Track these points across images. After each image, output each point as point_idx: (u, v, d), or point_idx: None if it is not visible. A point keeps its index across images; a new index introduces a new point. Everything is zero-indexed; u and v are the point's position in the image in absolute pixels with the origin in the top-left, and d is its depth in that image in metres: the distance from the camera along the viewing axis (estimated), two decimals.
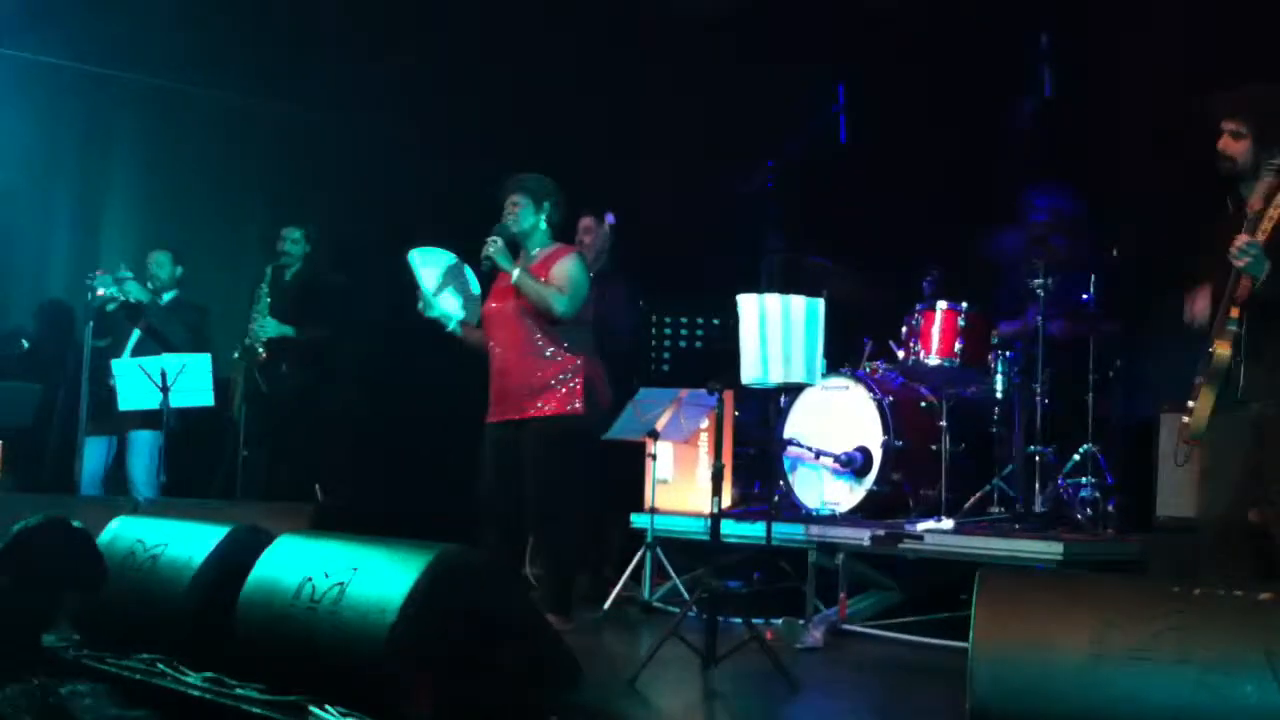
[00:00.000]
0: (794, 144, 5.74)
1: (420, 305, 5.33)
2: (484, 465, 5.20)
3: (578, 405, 5.09)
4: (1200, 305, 4.14)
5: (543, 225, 5.29)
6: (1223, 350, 3.92)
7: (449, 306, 5.34)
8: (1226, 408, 3.97)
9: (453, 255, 5.39)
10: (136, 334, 6.79)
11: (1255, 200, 3.98)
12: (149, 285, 6.81)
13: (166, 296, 6.93)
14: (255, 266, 7.14)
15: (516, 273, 5.08)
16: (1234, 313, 3.92)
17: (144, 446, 6.71)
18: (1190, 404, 4.21)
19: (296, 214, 7.21)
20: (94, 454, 6.69)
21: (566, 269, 5.18)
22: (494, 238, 5.11)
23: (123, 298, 6.67)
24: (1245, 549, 4.13)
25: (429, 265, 5.36)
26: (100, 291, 6.58)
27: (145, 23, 7.22)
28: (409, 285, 5.35)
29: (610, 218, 6.48)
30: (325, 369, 7.03)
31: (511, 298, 5.19)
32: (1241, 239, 3.82)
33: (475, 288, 5.43)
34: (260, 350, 6.76)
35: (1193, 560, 4.28)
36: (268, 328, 6.81)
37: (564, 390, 5.09)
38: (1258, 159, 3.95)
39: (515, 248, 5.28)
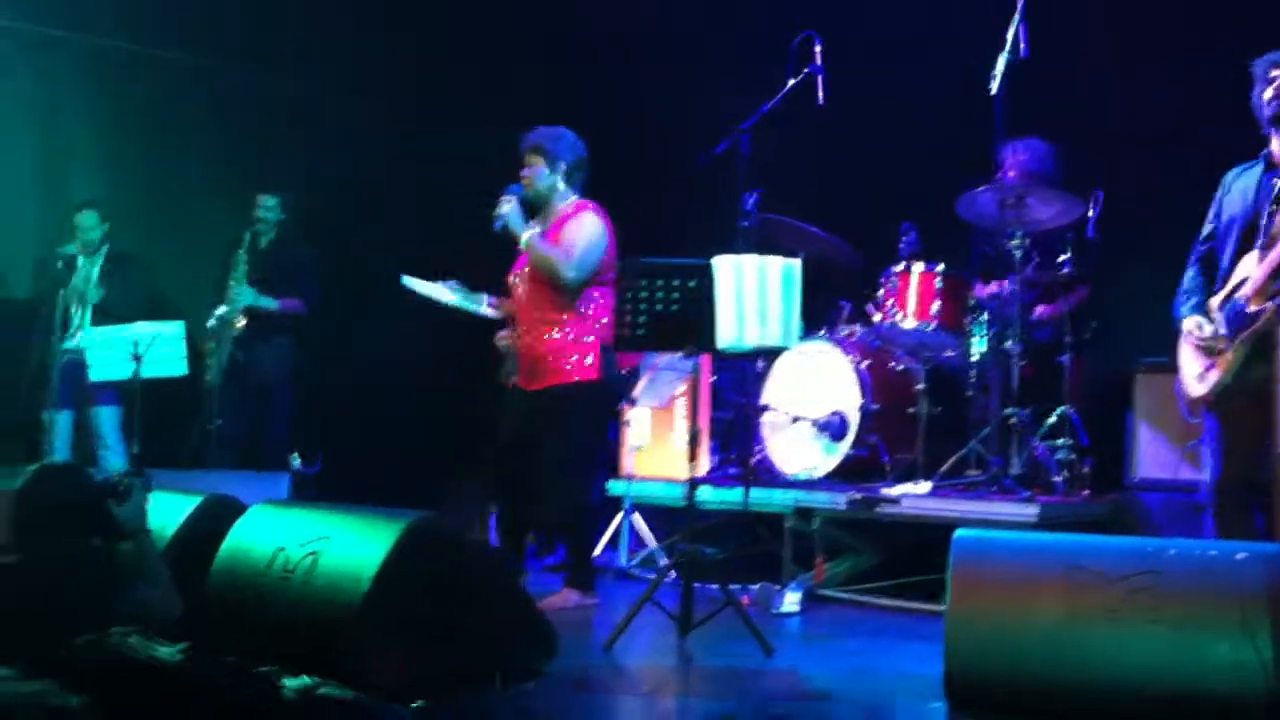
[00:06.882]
0: (770, 104, 5.69)
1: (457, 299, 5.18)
2: (500, 430, 5.01)
3: (592, 373, 4.86)
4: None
5: (561, 185, 4.99)
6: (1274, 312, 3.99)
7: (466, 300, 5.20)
8: (1248, 366, 4.04)
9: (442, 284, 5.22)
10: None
11: None
12: (84, 248, 6.75)
13: (101, 255, 6.84)
14: (219, 233, 7.05)
15: (525, 236, 4.83)
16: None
17: (110, 419, 6.66)
18: (1191, 362, 4.23)
19: (264, 180, 7.11)
20: (62, 429, 6.65)
21: (576, 230, 4.90)
22: (508, 195, 4.87)
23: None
24: (1256, 509, 4.20)
25: (426, 289, 5.21)
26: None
27: None
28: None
29: None
30: (299, 338, 6.98)
31: (526, 263, 4.98)
32: None
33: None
34: (237, 319, 6.70)
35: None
36: (244, 296, 6.73)
37: (577, 358, 4.85)
38: None
39: (535, 209, 5.04)
